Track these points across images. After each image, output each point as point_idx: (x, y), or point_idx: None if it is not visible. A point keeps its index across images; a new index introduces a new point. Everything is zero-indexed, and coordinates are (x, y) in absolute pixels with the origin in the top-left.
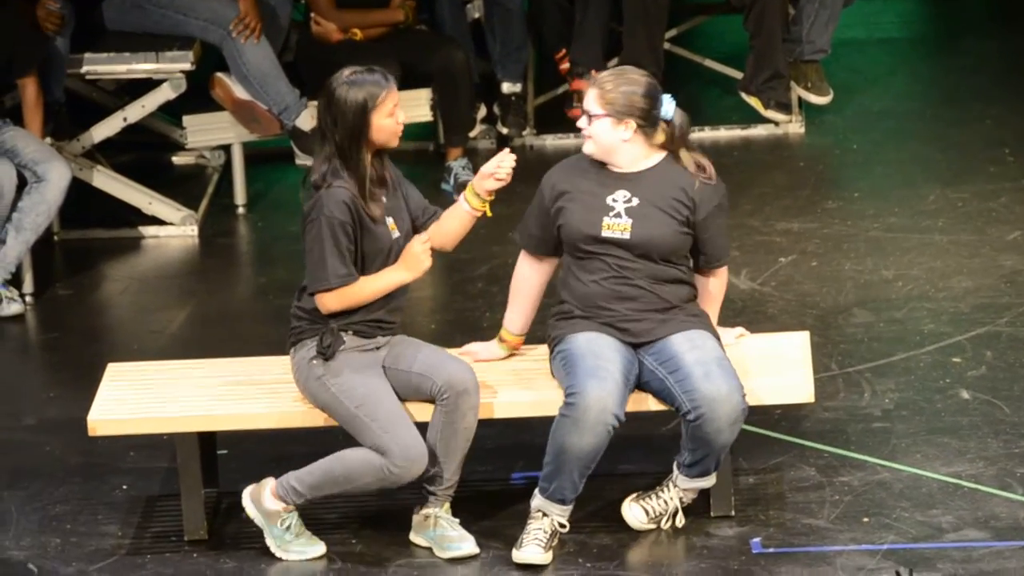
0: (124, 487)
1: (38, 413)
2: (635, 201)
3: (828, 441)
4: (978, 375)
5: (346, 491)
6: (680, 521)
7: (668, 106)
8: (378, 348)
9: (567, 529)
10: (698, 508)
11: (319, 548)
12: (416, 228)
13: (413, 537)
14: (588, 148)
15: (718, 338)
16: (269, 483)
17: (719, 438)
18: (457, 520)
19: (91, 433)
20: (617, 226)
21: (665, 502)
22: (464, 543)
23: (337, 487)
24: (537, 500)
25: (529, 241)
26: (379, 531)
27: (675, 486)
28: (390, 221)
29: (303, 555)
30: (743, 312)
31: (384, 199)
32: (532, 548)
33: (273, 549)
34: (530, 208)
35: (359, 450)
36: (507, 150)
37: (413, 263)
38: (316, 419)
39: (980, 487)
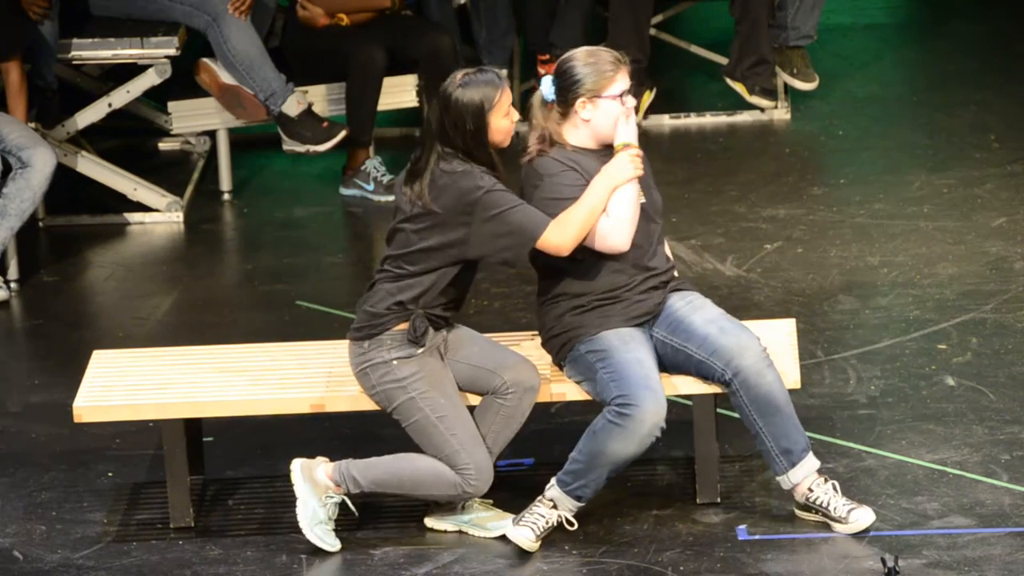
0: (110, 474)
1: (23, 400)
2: None
3: (814, 428)
4: (963, 362)
5: (406, 495)
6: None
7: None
8: (442, 341)
9: (574, 527)
10: (684, 495)
11: (336, 544)
12: None
13: (434, 523)
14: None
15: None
16: (322, 462)
17: (763, 379)
18: (490, 500)
19: (76, 420)
20: None
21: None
22: (504, 519)
23: (401, 489)
24: (554, 491)
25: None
26: (364, 516)
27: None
28: None
29: (322, 542)
30: (728, 299)
31: None
32: (525, 531)
33: (301, 523)
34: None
35: (431, 460)
36: None
37: (619, 170)
38: (303, 406)
39: (965, 474)
